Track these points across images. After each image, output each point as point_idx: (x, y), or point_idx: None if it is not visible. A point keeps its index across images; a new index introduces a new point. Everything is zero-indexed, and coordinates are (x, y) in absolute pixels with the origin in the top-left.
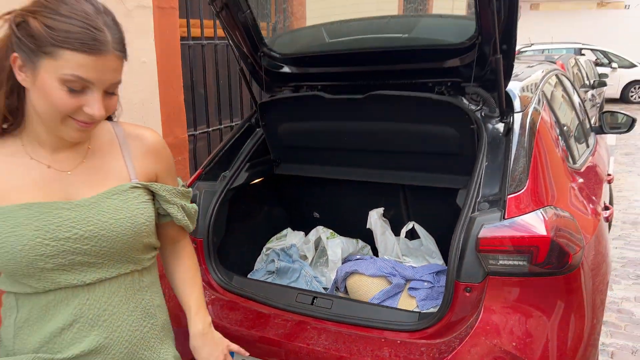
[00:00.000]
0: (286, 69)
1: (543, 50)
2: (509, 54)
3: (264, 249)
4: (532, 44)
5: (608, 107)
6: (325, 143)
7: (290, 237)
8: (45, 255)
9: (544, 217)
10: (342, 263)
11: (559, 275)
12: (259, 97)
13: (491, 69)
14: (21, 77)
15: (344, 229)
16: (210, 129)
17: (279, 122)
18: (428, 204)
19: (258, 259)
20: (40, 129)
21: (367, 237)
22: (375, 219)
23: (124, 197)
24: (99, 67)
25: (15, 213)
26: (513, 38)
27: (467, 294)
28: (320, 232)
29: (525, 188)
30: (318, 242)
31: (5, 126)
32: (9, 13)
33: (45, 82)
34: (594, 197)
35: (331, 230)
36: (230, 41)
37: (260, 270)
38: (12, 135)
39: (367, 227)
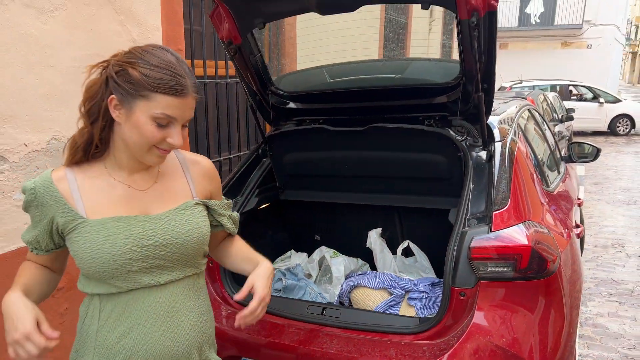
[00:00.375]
0: (291, 105)
1: (534, 87)
2: (489, 92)
3: None
4: (521, 81)
5: (596, 139)
6: (327, 170)
7: (295, 258)
8: (132, 259)
9: (524, 230)
10: (345, 279)
11: (539, 279)
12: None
13: (474, 105)
14: (115, 114)
15: (343, 249)
16: (221, 158)
17: (285, 153)
18: (420, 224)
19: None
20: (123, 155)
21: (365, 256)
22: (375, 238)
23: (190, 212)
24: (182, 107)
25: (107, 225)
26: (492, 78)
27: (462, 298)
28: (324, 251)
29: (507, 206)
30: (321, 262)
31: (95, 152)
32: (105, 62)
33: (139, 119)
34: (566, 216)
35: (333, 250)
36: (241, 80)
37: None
38: (97, 159)
39: (367, 245)
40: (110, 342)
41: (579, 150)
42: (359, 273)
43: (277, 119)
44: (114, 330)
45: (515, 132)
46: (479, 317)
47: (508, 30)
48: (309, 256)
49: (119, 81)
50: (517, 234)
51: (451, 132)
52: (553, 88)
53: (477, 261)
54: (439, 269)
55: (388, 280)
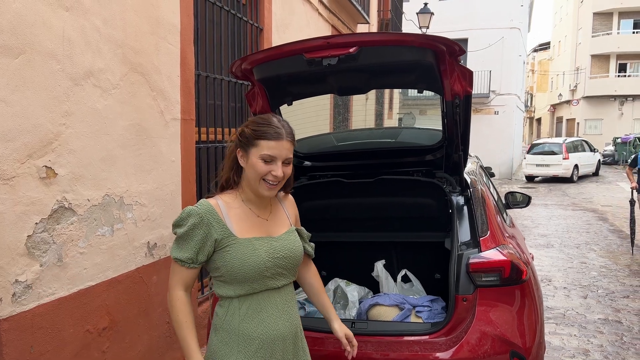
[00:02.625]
0: (306, 163)
1: None
2: (466, 151)
3: None
4: None
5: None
6: (337, 214)
7: None
8: (268, 267)
9: (503, 250)
10: (359, 303)
11: (518, 284)
12: None
13: (453, 161)
14: (242, 162)
15: (349, 280)
16: None
17: (301, 202)
18: (411, 255)
19: None
20: (250, 191)
21: (364, 284)
22: (381, 268)
23: (294, 236)
24: (279, 147)
25: (252, 243)
26: (468, 142)
27: (464, 303)
28: (339, 281)
29: (488, 234)
30: (335, 290)
31: (232, 186)
32: (238, 129)
33: (253, 160)
34: (523, 245)
35: (346, 280)
36: None
37: None
38: (233, 191)
39: (373, 274)
40: (249, 330)
41: (512, 198)
42: (373, 296)
43: (296, 175)
44: (252, 321)
45: (480, 181)
46: (479, 315)
47: (425, 99)
48: None
49: (240, 139)
50: (499, 253)
51: (438, 182)
52: None
53: (474, 273)
54: (427, 289)
55: (399, 299)
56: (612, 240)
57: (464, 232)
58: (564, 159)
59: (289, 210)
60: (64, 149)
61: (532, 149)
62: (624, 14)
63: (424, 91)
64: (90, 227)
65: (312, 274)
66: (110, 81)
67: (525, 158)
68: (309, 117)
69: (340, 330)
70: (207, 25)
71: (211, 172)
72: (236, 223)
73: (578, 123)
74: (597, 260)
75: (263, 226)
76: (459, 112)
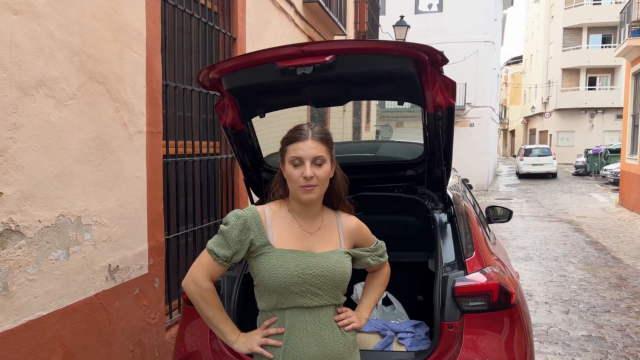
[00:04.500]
0: None
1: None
2: (449, 166)
3: None
4: None
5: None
6: None
7: None
8: (295, 283)
9: (490, 272)
10: None
11: (507, 309)
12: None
13: (436, 177)
14: (284, 175)
15: None
16: (188, 230)
17: None
18: (393, 276)
19: None
20: (295, 203)
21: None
22: (361, 290)
23: (340, 256)
24: (304, 147)
25: (284, 254)
26: (450, 156)
27: (451, 330)
28: None
29: (474, 254)
30: None
31: (282, 197)
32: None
33: (286, 168)
34: (509, 264)
35: None
36: (237, 158)
37: None
38: (284, 202)
39: (353, 297)
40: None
41: (493, 213)
42: None
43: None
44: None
45: (464, 197)
46: (466, 344)
47: (402, 111)
48: None
49: (280, 152)
50: (486, 276)
51: (420, 199)
52: None
53: (460, 297)
54: (409, 312)
55: (379, 325)
56: (590, 252)
57: (448, 252)
58: (553, 159)
59: (345, 229)
60: (11, 165)
61: (527, 154)
62: (592, 29)
63: (403, 103)
64: (42, 250)
65: (374, 278)
66: (66, 91)
67: (522, 160)
68: (284, 130)
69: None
70: (177, 33)
71: (180, 187)
72: (277, 232)
73: (551, 135)
74: (576, 273)
75: (306, 240)
76: (441, 125)
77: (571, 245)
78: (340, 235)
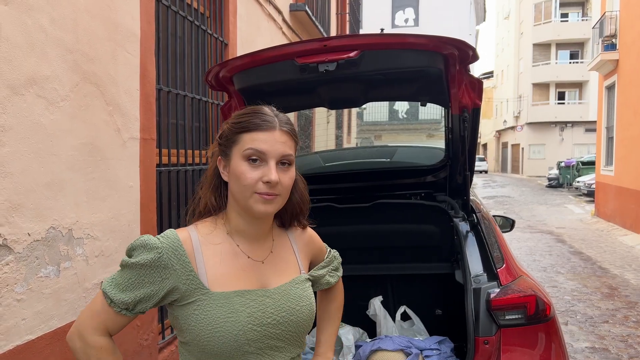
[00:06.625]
0: None
1: None
2: (472, 171)
3: None
4: None
5: None
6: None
7: None
8: (251, 340)
9: (525, 283)
10: (356, 347)
11: (544, 322)
12: None
13: (457, 183)
14: (224, 175)
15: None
16: None
17: None
18: (409, 289)
19: None
20: (237, 218)
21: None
22: (379, 306)
23: (302, 287)
24: (270, 140)
25: (230, 300)
26: (474, 161)
27: (486, 346)
28: None
29: (504, 265)
30: None
31: (215, 212)
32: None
33: (235, 164)
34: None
35: None
36: None
37: None
38: (218, 218)
39: (370, 313)
40: None
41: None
42: (374, 339)
43: None
44: None
45: (482, 204)
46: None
47: (380, 124)
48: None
49: (220, 141)
50: (521, 287)
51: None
52: None
53: (496, 311)
54: (428, 327)
55: (404, 342)
56: (576, 262)
57: (475, 263)
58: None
59: (300, 245)
60: None
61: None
62: (561, 45)
63: (426, 104)
64: (31, 267)
65: (329, 302)
66: (58, 91)
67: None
68: None
69: None
70: (170, 35)
71: (173, 199)
72: (212, 267)
73: (523, 148)
74: (567, 283)
75: (255, 272)
76: (467, 127)
77: (557, 255)
78: (297, 256)
